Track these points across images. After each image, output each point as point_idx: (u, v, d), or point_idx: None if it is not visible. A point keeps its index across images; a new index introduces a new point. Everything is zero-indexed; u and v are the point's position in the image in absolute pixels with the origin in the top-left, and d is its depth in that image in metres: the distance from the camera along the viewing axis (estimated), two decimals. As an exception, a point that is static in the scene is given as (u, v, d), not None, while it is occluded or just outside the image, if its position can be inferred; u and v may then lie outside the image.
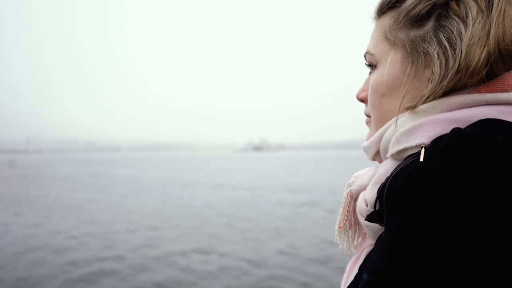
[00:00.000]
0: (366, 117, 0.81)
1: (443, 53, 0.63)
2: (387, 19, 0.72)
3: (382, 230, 0.64)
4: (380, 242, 0.59)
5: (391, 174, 0.61)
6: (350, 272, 0.81)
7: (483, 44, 0.60)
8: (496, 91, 0.62)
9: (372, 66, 0.77)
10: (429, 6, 0.66)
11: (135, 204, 17.85)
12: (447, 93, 0.64)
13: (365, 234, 0.84)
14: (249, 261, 8.43)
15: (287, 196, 19.47)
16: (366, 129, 0.82)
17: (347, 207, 0.88)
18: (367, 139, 0.78)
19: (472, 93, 0.63)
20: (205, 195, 20.46)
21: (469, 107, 0.63)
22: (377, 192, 0.63)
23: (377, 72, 0.74)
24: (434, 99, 0.64)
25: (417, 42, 0.67)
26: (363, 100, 0.81)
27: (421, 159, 0.59)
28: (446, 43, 0.63)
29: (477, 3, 0.62)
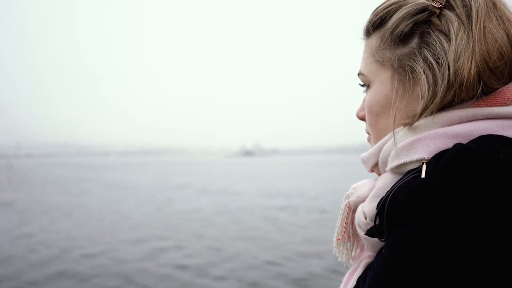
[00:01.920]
0: (367, 135, 0.82)
1: (430, 69, 0.63)
2: (374, 39, 0.74)
3: (381, 243, 0.64)
4: (380, 258, 0.59)
5: (391, 189, 0.61)
6: (347, 283, 0.81)
7: (470, 59, 0.60)
8: (495, 105, 0.62)
9: (366, 86, 0.78)
10: (411, 24, 0.66)
11: (116, 208, 17.74)
12: (447, 107, 0.64)
13: (363, 245, 0.84)
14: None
15: (265, 202, 19.51)
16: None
17: (345, 219, 0.87)
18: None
19: (472, 107, 0.63)
20: (184, 201, 20.35)
21: (469, 121, 0.63)
22: (377, 207, 0.63)
23: (370, 92, 0.75)
24: (429, 114, 0.64)
25: (403, 60, 0.68)
26: (362, 119, 0.82)
27: (423, 175, 0.59)
28: (431, 59, 0.63)
29: (458, 16, 0.63)
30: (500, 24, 0.63)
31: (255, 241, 10.78)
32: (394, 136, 0.68)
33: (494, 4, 0.64)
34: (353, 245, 0.89)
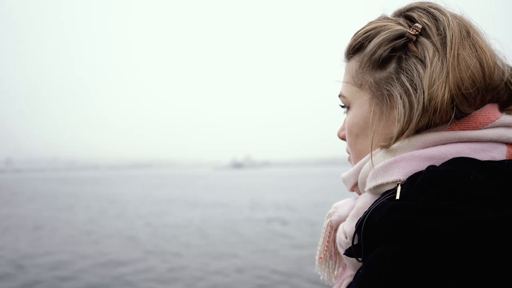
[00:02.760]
0: (347, 154, 0.83)
1: (406, 94, 0.65)
2: (354, 63, 0.75)
3: (361, 263, 0.65)
4: (357, 278, 0.60)
5: (368, 210, 0.62)
6: None
7: (444, 85, 0.62)
8: (468, 128, 0.64)
9: (346, 107, 0.79)
10: (389, 50, 0.68)
11: (97, 223, 17.57)
12: (422, 129, 0.66)
13: (346, 264, 0.85)
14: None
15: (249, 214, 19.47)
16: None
17: (327, 238, 0.88)
18: None
19: (446, 130, 0.65)
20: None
21: (443, 144, 0.65)
22: (355, 227, 0.64)
23: (350, 114, 0.77)
24: (406, 137, 0.66)
25: (381, 84, 0.70)
26: (343, 139, 0.83)
27: (397, 196, 0.61)
28: (407, 84, 0.65)
29: (433, 44, 0.65)
30: (473, 52, 0.65)
31: (240, 253, 10.73)
32: (371, 158, 0.70)
33: (468, 33, 0.67)
34: (335, 264, 0.90)
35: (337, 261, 0.90)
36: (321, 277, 0.92)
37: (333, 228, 0.87)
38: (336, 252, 0.89)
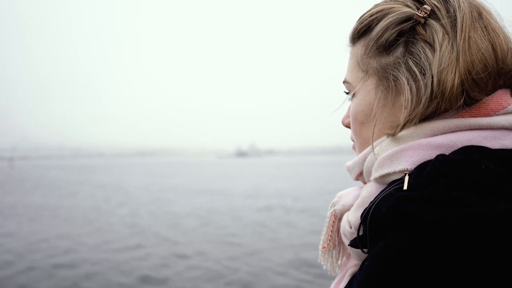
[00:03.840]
0: (352, 142, 0.81)
1: (413, 80, 0.62)
2: (359, 47, 0.73)
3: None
4: (363, 270, 0.58)
5: (374, 200, 0.60)
6: None
7: (454, 70, 0.59)
8: (479, 115, 0.62)
9: (351, 93, 0.77)
10: (396, 33, 0.65)
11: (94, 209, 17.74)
12: (430, 117, 0.63)
13: (350, 254, 0.83)
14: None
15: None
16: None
17: (331, 227, 0.87)
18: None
19: (455, 117, 0.62)
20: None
21: (452, 131, 0.62)
22: (361, 217, 0.62)
23: (355, 100, 0.74)
24: (413, 125, 0.63)
25: (387, 70, 0.67)
26: (348, 126, 0.81)
27: (405, 186, 0.58)
28: (415, 69, 0.62)
29: (443, 26, 0.62)
30: (485, 35, 0.62)
31: (242, 241, 10.77)
32: (373, 149, 0.68)
33: (480, 14, 0.63)
34: (339, 254, 0.89)
35: (341, 250, 0.88)
36: (324, 267, 0.90)
37: (337, 218, 0.85)
38: (340, 242, 0.88)
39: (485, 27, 0.63)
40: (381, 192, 0.62)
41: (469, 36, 0.61)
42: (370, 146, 0.71)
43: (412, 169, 0.61)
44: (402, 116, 0.64)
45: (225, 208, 17.64)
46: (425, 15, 0.64)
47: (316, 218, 14.05)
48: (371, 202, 0.61)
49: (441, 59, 0.60)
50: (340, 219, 0.85)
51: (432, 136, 0.63)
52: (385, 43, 0.67)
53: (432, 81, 0.60)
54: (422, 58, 0.62)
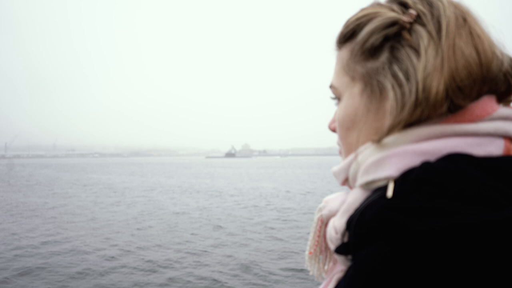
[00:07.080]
0: (338, 147, 0.81)
1: (398, 85, 0.62)
2: (345, 52, 0.72)
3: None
4: (346, 278, 0.58)
5: (359, 207, 0.60)
6: None
7: (438, 76, 0.59)
8: (464, 121, 0.61)
9: (337, 98, 0.77)
10: (381, 38, 0.65)
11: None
12: (415, 123, 0.62)
13: (336, 259, 0.83)
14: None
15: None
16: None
17: (317, 232, 0.86)
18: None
19: (441, 123, 0.61)
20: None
21: (437, 138, 0.61)
22: (346, 224, 0.62)
23: (340, 106, 0.74)
24: (398, 131, 0.63)
25: (372, 75, 0.66)
26: (334, 131, 0.81)
27: (390, 194, 0.58)
28: (400, 74, 0.62)
29: (428, 31, 0.61)
30: (469, 41, 0.61)
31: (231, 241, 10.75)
32: (356, 156, 0.67)
33: (465, 20, 0.63)
34: (325, 259, 0.88)
35: (328, 256, 0.88)
36: (311, 273, 0.89)
37: (324, 223, 0.85)
38: (327, 247, 0.87)
39: (470, 32, 0.62)
40: (365, 199, 0.62)
41: (454, 43, 0.60)
42: (355, 153, 0.70)
43: (397, 175, 0.60)
44: (386, 122, 0.63)
45: (221, 208, 17.63)
46: (411, 20, 0.63)
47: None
48: (356, 209, 0.61)
49: (426, 65, 0.59)
50: (326, 225, 0.84)
51: (417, 142, 0.62)
52: (371, 48, 0.66)
53: (417, 87, 0.59)
54: (408, 64, 0.61)
